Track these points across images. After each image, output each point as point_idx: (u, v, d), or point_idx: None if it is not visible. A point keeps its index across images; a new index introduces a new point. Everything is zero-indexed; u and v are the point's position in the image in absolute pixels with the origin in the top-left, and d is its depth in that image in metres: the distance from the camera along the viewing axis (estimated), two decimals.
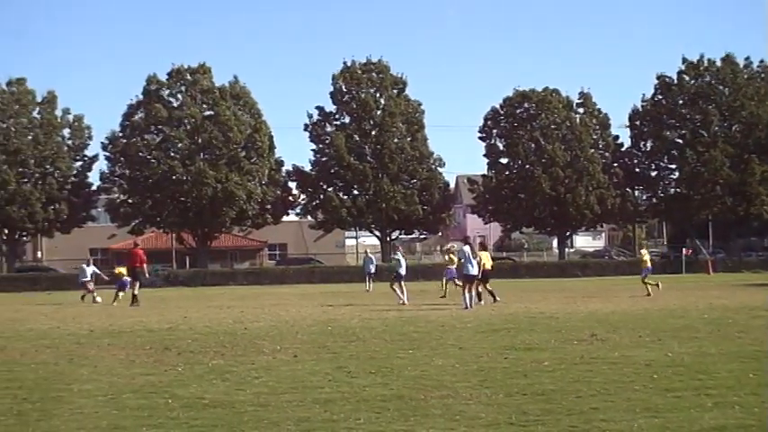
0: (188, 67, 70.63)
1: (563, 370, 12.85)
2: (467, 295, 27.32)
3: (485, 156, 74.17)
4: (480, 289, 29.31)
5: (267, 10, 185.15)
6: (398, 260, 33.55)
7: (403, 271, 32.66)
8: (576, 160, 70.54)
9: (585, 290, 39.89)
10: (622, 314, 23.64)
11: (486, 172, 74.62)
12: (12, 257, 71.63)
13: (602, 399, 10.35)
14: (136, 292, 33.50)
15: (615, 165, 72.78)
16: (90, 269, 39.69)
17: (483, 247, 33.55)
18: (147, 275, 35.87)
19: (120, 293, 35.14)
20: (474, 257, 27.95)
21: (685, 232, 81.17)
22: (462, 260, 28.28)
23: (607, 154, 73.19)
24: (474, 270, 27.67)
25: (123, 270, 36.49)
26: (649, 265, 34.44)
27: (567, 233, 76.46)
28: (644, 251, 39.26)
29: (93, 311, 30.49)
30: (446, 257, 36.76)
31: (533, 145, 71.26)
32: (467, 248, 28.16)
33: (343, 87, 71.67)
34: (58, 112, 71.06)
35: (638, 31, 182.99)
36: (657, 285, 32.80)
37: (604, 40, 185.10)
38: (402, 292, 31.49)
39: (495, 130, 73.80)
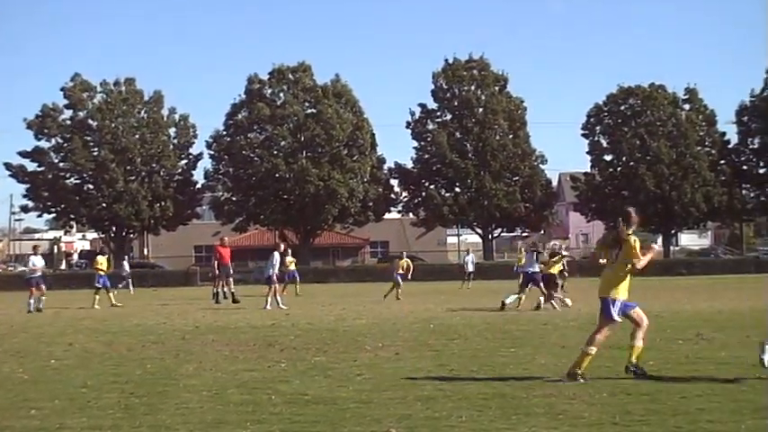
0: (288, 66, 71.34)
1: (668, 369, 12.63)
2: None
3: (588, 153, 73.75)
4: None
5: (367, 7, 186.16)
6: (270, 262, 29.79)
7: (272, 273, 29.30)
8: (681, 157, 69.61)
9: (691, 288, 39.22)
10: (729, 313, 23.16)
11: (589, 169, 74.12)
12: (119, 255, 73.06)
13: (708, 399, 10.10)
14: (220, 289, 32.71)
15: (722, 162, 71.56)
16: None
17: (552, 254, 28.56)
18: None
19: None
20: None
21: None
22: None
23: (714, 151, 71.98)
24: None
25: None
26: None
27: (673, 231, 75.43)
28: None
29: (199, 308, 30.75)
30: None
31: (638, 142, 70.49)
32: None
33: (444, 85, 71.87)
34: (164, 112, 72.52)
35: (746, 24, 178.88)
36: None
37: (711, 34, 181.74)
38: (270, 297, 28.93)
39: (598, 127, 73.33)
